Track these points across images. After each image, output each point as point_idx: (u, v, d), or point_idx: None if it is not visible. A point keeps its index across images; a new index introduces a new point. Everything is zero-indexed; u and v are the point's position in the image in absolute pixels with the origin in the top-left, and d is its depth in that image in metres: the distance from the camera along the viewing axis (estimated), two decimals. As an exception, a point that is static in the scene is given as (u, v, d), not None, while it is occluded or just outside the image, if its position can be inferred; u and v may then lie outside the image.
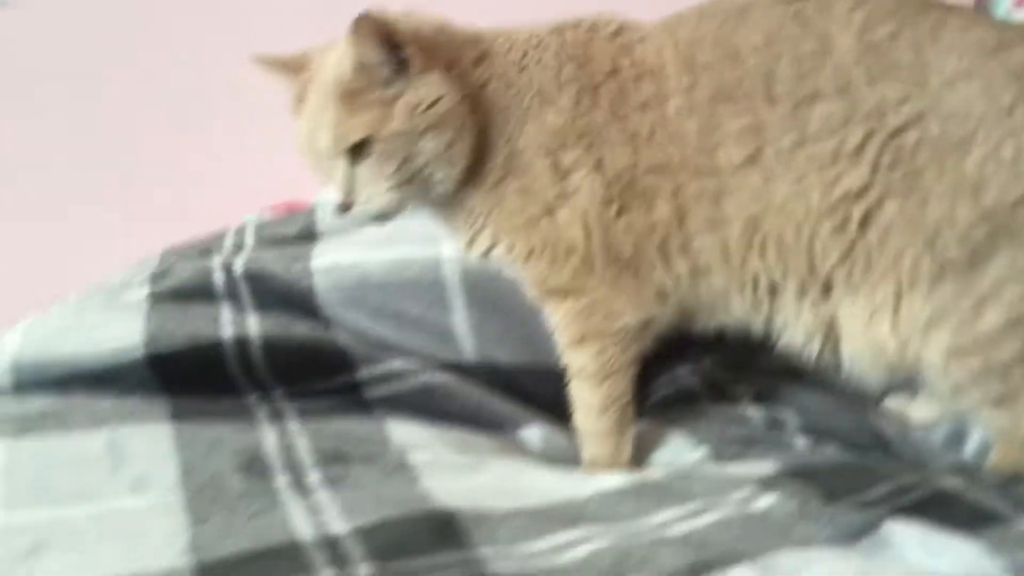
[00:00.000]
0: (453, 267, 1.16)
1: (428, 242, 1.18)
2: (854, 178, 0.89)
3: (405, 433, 1.02)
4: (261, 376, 1.10)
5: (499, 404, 1.09)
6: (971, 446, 1.03)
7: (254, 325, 1.13)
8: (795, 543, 0.73)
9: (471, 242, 0.99)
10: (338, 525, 0.82)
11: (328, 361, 1.11)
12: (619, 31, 0.96)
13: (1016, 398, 0.92)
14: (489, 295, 1.16)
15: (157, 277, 1.20)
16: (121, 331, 1.11)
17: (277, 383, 1.10)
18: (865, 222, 0.89)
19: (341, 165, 0.93)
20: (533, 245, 0.96)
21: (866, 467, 0.91)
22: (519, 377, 1.16)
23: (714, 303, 0.97)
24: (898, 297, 0.91)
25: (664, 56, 0.93)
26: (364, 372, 1.10)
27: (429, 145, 0.91)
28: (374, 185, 0.93)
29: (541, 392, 1.14)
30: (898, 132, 0.87)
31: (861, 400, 1.10)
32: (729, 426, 1.03)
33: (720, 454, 0.97)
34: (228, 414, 1.05)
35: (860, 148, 0.88)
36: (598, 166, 0.93)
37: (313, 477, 0.92)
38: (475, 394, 1.09)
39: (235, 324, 1.13)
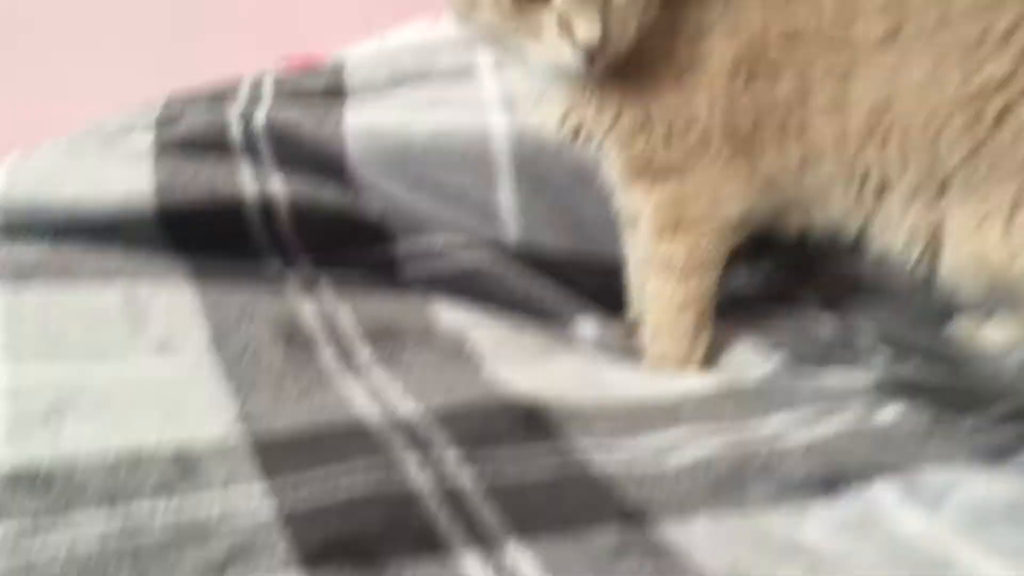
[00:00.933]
0: (502, 140, 1.05)
1: (476, 109, 1.07)
2: (997, 67, 0.80)
3: (453, 314, 0.93)
4: (287, 240, 1.00)
5: (549, 292, 1.00)
6: (1051, 375, 0.98)
7: (279, 185, 1.01)
8: (935, 459, 0.66)
9: (572, 108, 0.87)
10: (407, 406, 0.73)
11: (363, 230, 1.01)
12: None
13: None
14: (539, 174, 1.05)
15: (163, 122, 1.07)
16: (126, 178, 0.99)
17: (305, 249, 0.99)
18: (1001, 118, 0.81)
19: None
20: (651, 114, 0.85)
21: (976, 384, 0.84)
22: (564, 264, 1.06)
23: (814, 198, 0.89)
24: (1016, 204, 0.83)
25: None
26: (403, 246, 1.00)
27: None
28: (619, 20, 0.78)
29: (587, 282, 1.05)
30: None
31: (934, 316, 1.03)
32: (804, 329, 0.96)
33: (799, 361, 0.89)
34: (254, 278, 0.94)
35: (1009, 34, 0.80)
36: (734, 26, 0.83)
37: (363, 353, 0.83)
38: (523, 280, 1.00)
39: (258, 182, 1.01)
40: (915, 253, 0.89)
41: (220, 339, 0.82)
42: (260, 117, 1.06)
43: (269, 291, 0.92)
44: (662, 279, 0.90)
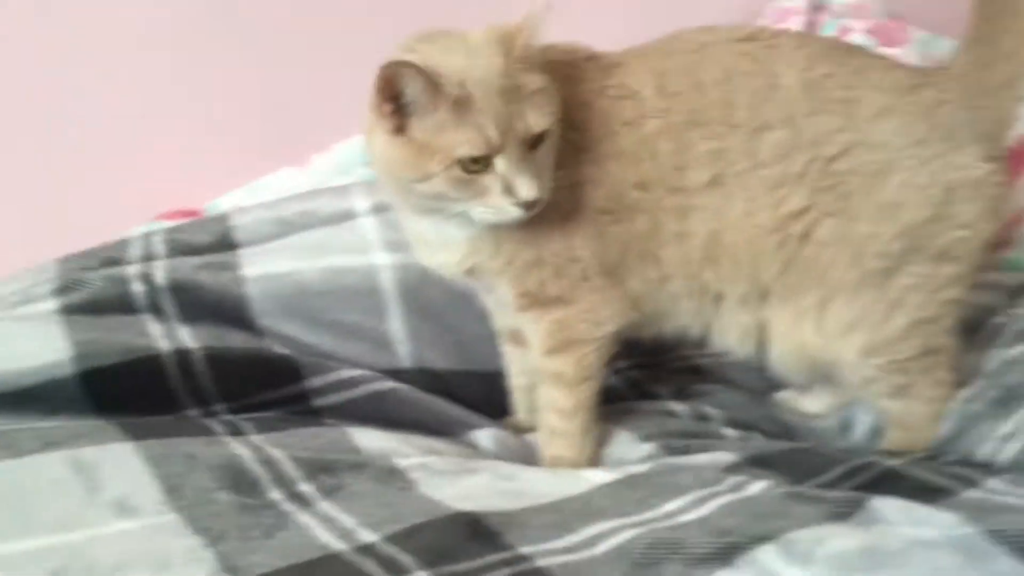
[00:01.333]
0: (388, 275, 1.19)
1: (360, 251, 1.20)
2: (796, 199, 1.01)
3: (370, 440, 1.04)
4: (204, 390, 1.08)
5: (449, 408, 1.13)
6: (859, 431, 1.20)
7: (189, 338, 1.10)
8: (800, 521, 0.83)
9: (471, 252, 1.02)
10: (366, 534, 0.84)
11: (274, 371, 1.11)
12: (592, 56, 1.04)
13: (911, 389, 1.09)
14: (424, 302, 1.20)
15: (64, 289, 1.13)
16: (40, 347, 1.05)
17: (221, 397, 1.08)
18: (804, 238, 1.02)
19: (529, 157, 0.92)
20: (542, 255, 1.01)
21: (817, 452, 1.04)
22: (451, 381, 1.20)
23: (667, 309, 1.07)
24: (824, 303, 1.04)
25: (641, 81, 1.01)
26: (315, 381, 1.10)
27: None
28: (544, 178, 0.94)
29: (472, 395, 1.20)
30: (833, 159, 1.01)
31: (761, 394, 1.24)
32: (664, 421, 1.13)
33: (669, 448, 1.06)
34: (183, 428, 1.02)
35: (802, 173, 1.01)
36: (599, 179, 1.00)
37: (306, 489, 0.92)
38: (424, 399, 1.12)
39: (169, 338, 1.09)
40: (748, 347, 1.09)
41: (173, 492, 0.89)
42: (160, 276, 1.15)
43: (202, 440, 0.99)
44: (554, 390, 1.06)
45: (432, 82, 0.89)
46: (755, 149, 1.01)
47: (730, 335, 1.09)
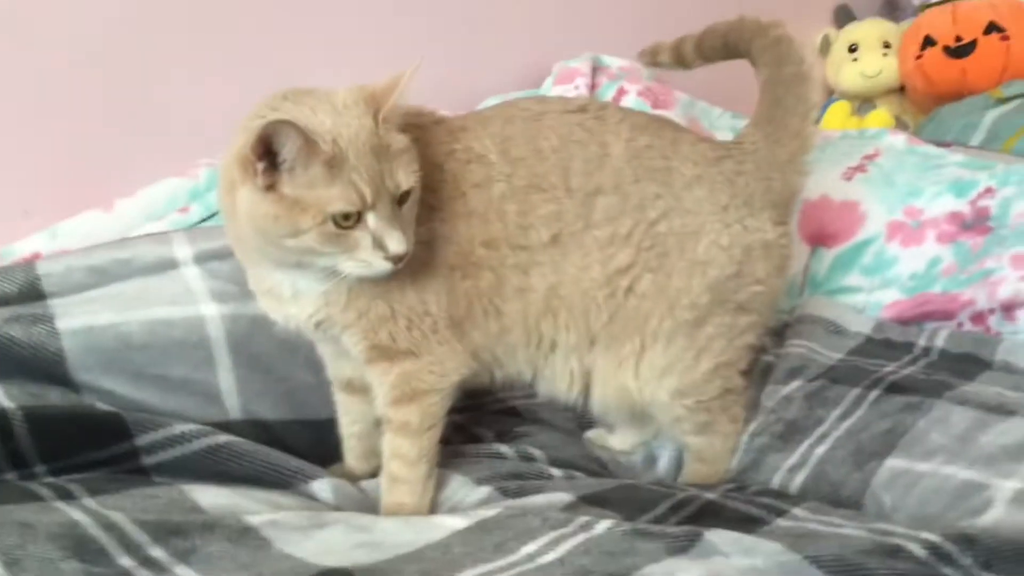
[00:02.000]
0: (217, 325, 1.17)
1: (186, 302, 1.17)
2: (623, 257, 1.11)
3: (211, 497, 1.02)
4: (24, 452, 1.02)
5: (285, 460, 1.12)
6: (662, 465, 1.31)
7: (3, 398, 1.03)
8: (649, 558, 0.91)
9: (323, 305, 1.03)
10: (235, 599, 0.83)
11: (99, 429, 1.06)
12: (440, 119, 1.08)
13: (712, 425, 1.21)
14: (253, 353, 1.19)
15: None
16: None
17: (42, 458, 1.02)
18: (628, 291, 1.12)
19: (397, 214, 0.95)
20: (394, 309, 1.03)
21: (643, 488, 1.12)
22: (282, 431, 1.20)
23: (504, 359, 1.13)
24: (642, 350, 1.14)
25: (486, 146, 1.07)
26: (144, 438, 1.06)
27: None
28: (410, 233, 0.97)
29: (302, 444, 1.21)
30: (655, 222, 1.11)
31: (572, 433, 1.33)
32: (494, 464, 1.18)
33: (504, 491, 1.11)
34: (8, 497, 0.96)
35: (629, 234, 1.11)
36: (445, 238, 1.05)
37: (158, 554, 0.90)
38: (260, 452, 1.11)
39: (-19, 397, 1.02)
40: (574, 392, 1.17)
41: (12, 566, 0.84)
42: (-35, 329, 1.06)
43: (32, 506, 0.94)
44: (399, 439, 1.08)
45: (308, 140, 0.91)
46: (589, 212, 1.09)
47: (559, 381, 1.17)
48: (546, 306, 1.11)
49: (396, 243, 0.95)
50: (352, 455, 1.21)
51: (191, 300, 1.17)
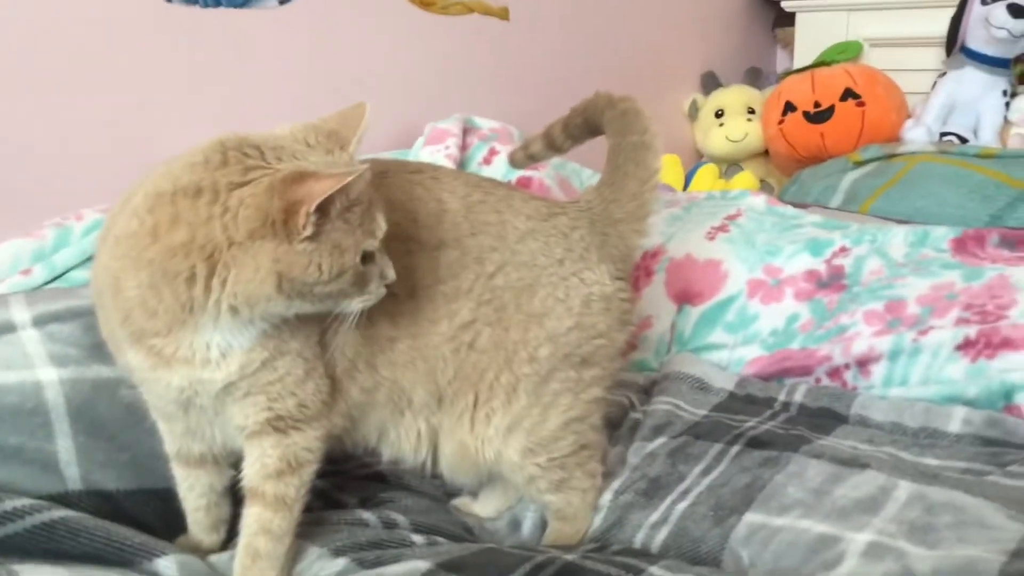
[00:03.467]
0: (56, 390, 1.11)
1: (21, 367, 1.11)
2: (466, 312, 1.10)
3: (42, 577, 0.96)
4: None
5: (127, 535, 1.05)
6: (526, 528, 1.29)
7: None
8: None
9: (247, 364, 0.98)
10: None
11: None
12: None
13: (568, 482, 1.20)
14: (94, 419, 1.13)
15: None
16: None
17: None
18: (470, 345, 1.11)
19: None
20: (307, 371, 1.02)
21: (502, 551, 1.09)
22: (124, 501, 1.14)
23: (362, 419, 1.10)
24: (480, 405, 1.13)
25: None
26: (-30, 516, 0.99)
27: None
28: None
29: (147, 515, 1.15)
30: (492, 275, 1.11)
31: (438, 500, 1.30)
32: (354, 531, 1.14)
33: (361, 561, 1.07)
34: None
35: (469, 289, 1.11)
36: None
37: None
38: (99, 528, 1.04)
39: None
40: (422, 453, 1.15)
41: None
42: None
43: None
44: (270, 513, 1.03)
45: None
46: (435, 265, 1.09)
47: (404, 442, 1.14)
48: (408, 359, 1.09)
49: (391, 269, 0.99)
50: (199, 528, 1.15)
51: (27, 364, 1.11)
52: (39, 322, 1.15)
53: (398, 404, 1.11)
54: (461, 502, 1.32)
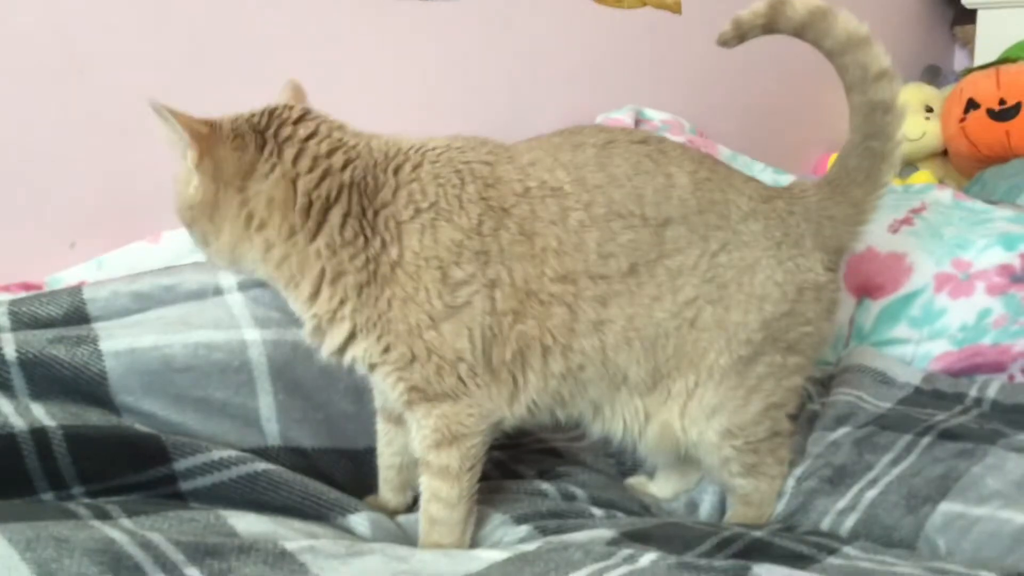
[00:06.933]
0: (258, 350, 1.16)
1: (229, 326, 1.16)
2: (690, 288, 1.10)
3: (248, 524, 1.00)
4: (63, 471, 1.01)
5: (323, 491, 1.10)
6: (703, 512, 1.27)
7: (44, 416, 1.03)
8: (694, 591, 0.88)
9: (345, 343, 1.04)
10: (273, 619, 0.81)
11: (139, 452, 1.04)
12: (510, 155, 1.08)
13: (759, 467, 1.18)
14: (293, 379, 1.17)
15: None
16: None
17: (80, 479, 1.01)
18: (692, 323, 1.10)
19: None
20: (416, 353, 1.02)
21: (686, 525, 1.09)
22: (319, 459, 1.18)
23: (571, 398, 1.11)
24: (695, 387, 1.12)
25: (559, 177, 1.07)
26: (183, 463, 1.05)
27: None
28: None
29: (339, 473, 1.19)
30: (716, 254, 1.10)
31: (614, 478, 1.30)
32: (535, 501, 1.15)
33: (544, 529, 1.08)
34: (44, 514, 0.94)
35: (695, 265, 1.10)
36: (493, 283, 1.03)
37: (193, 573, 0.88)
38: (298, 482, 1.09)
39: (22, 416, 1.01)
40: (633, 432, 1.15)
41: (49, 579, 0.83)
42: (8, 350, 1.06)
43: (69, 523, 0.92)
44: (438, 481, 1.06)
45: None
46: (661, 241, 1.08)
47: (617, 420, 1.14)
48: (623, 338, 1.09)
49: None
50: (389, 487, 1.19)
51: (234, 324, 1.16)
52: (244, 287, 1.20)
53: (612, 382, 1.11)
54: (637, 481, 1.31)
